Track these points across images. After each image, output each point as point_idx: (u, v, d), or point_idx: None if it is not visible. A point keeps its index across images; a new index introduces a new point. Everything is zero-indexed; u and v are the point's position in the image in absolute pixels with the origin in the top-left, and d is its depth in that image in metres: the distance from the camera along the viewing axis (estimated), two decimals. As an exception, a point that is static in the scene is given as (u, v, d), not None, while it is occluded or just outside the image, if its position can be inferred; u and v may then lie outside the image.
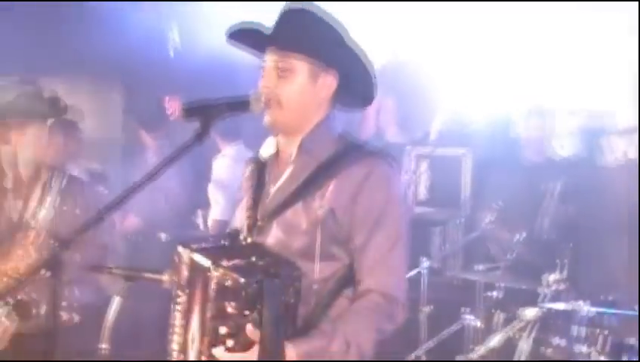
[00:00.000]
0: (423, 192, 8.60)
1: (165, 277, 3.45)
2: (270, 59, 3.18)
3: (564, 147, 7.92)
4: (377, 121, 9.07)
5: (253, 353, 2.83)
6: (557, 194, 6.98)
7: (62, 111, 5.12)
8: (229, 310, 2.84)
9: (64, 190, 5.07)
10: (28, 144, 5.03)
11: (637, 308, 5.60)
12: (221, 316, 2.86)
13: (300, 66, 3.16)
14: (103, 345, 4.54)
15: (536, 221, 6.97)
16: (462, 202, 8.12)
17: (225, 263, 2.89)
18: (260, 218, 3.28)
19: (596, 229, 6.77)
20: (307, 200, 3.17)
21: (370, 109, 9.11)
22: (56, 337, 3.02)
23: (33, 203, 5.05)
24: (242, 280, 2.80)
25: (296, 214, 3.18)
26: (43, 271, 2.88)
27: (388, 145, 8.77)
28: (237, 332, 2.85)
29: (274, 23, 3.20)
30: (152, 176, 2.91)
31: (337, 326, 3.02)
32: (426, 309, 6.55)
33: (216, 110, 3.00)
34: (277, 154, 3.36)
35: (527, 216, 6.98)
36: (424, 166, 8.53)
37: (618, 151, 7.54)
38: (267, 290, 2.82)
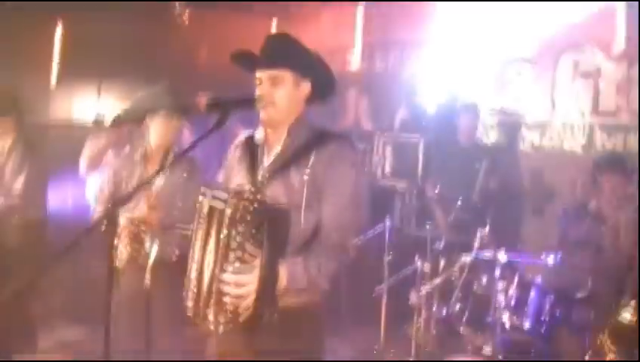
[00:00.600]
0: (387, 168, 8.88)
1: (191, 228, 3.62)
2: (263, 73, 3.46)
3: (489, 136, 8.29)
4: (355, 113, 9.44)
5: (257, 263, 3.10)
6: (483, 171, 7.20)
7: (181, 105, 5.27)
8: (240, 230, 3.06)
9: (176, 161, 5.17)
10: (156, 126, 5.24)
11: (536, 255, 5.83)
12: (233, 236, 3.07)
13: (287, 77, 3.45)
14: (147, 276, 4.91)
15: (468, 190, 7.15)
16: (416, 176, 8.32)
17: (237, 199, 3.10)
18: (258, 181, 3.48)
19: (511, 197, 7.10)
20: (296, 168, 3.42)
21: (350, 105, 9.55)
22: (113, 274, 3.23)
23: (154, 169, 5.20)
24: (251, 208, 3.06)
25: (288, 178, 3.42)
26: (103, 223, 3.13)
27: (363, 132, 9.23)
28: (244, 246, 3.07)
29: (263, 46, 3.53)
30: (187, 151, 3.31)
31: (312, 255, 3.30)
32: (389, 256, 6.60)
33: (231, 106, 3.26)
34: (266, 139, 3.57)
35: (462, 186, 7.14)
36: (389, 148, 8.85)
37: (527, 140, 8.00)
38: (269, 217, 3.11)
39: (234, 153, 3.77)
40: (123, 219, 4.84)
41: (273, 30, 9.42)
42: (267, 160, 3.57)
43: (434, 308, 6.20)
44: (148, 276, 4.93)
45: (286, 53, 3.53)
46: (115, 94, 8.43)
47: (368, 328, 7.21)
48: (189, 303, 3.29)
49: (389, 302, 6.73)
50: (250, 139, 3.69)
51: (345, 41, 9.43)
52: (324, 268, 3.34)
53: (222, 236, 3.11)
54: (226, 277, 3.11)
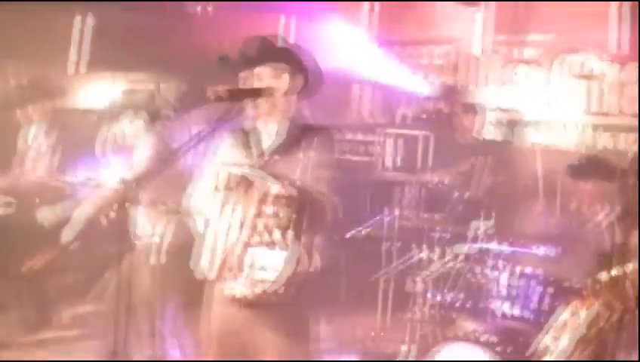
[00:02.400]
0: (390, 161, 8.91)
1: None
2: (264, 68, 3.59)
3: (489, 132, 8.17)
4: (359, 106, 9.42)
5: (290, 249, 3.10)
6: (481, 165, 7.15)
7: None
8: (268, 211, 3.09)
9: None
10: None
11: (534, 247, 5.75)
12: (261, 215, 3.09)
13: (284, 71, 3.61)
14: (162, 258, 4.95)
15: (468, 184, 7.10)
16: (418, 168, 8.34)
17: (266, 177, 3.13)
18: (262, 161, 3.54)
19: (510, 191, 7.01)
20: (291, 152, 3.52)
21: (355, 98, 9.51)
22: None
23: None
24: (282, 190, 3.09)
25: (286, 161, 3.50)
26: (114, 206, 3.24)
27: (366, 125, 9.24)
28: (271, 228, 3.07)
29: (259, 44, 3.63)
30: (193, 144, 3.29)
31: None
32: (389, 244, 6.67)
33: (243, 95, 3.43)
34: (258, 128, 3.68)
35: (462, 180, 7.12)
36: (392, 142, 8.87)
37: (526, 137, 8.05)
38: (298, 200, 3.14)
39: (225, 142, 3.76)
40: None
41: (290, 26, 9.43)
42: (262, 146, 3.63)
43: (431, 295, 6.13)
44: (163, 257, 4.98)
45: (282, 49, 3.69)
46: (136, 84, 8.42)
47: (367, 314, 7.16)
48: (204, 264, 3.28)
49: (388, 289, 6.80)
50: (240, 131, 3.74)
51: (351, 38, 9.33)
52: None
53: (252, 213, 3.09)
54: (254, 258, 3.09)
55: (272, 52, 3.63)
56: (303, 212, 3.11)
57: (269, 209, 3.06)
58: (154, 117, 5.29)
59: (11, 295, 6.60)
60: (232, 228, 3.19)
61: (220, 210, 3.29)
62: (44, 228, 5.84)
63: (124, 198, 3.03)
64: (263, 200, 3.07)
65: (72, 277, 6.73)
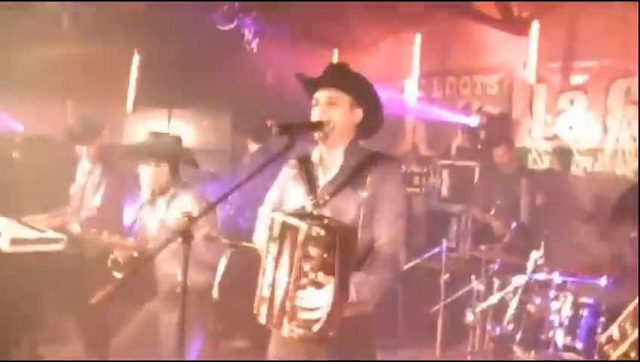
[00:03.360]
0: (444, 192, 8.91)
1: (257, 245, 3.64)
2: (322, 94, 3.46)
3: (542, 161, 8.12)
4: (413, 139, 9.44)
5: (329, 286, 2.99)
6: (524, 189, 7.21)
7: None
8: (312, 253, 2.98)
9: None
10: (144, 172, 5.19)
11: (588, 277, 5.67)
12: (306, 257, 2.98)
13: (343, 100, 3.44)
14: (215, 294, 4.92)
15: (516, 213, 7.13)
16: (471, 200, 8.18)
17: (309, 221, 3.01)
18: (319, 199, 3.43)
19: (563, 220, 6.97)
20: (353, 189, 3.40)
21: (408, 130, 9.49)
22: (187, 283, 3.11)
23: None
24: (323, 231, 2.96)
25: (347, 198, 3.40)
26: (178, 239, 3.02)
27: (420, 157, 9.23)
28: (317, 269, 2.98)
29: (325, 70, 3.52)
30: (252, 176, 3.17)
31: (371, 270, 3.29)
32: (445, 276, 6.50)
33: (300, 129, 3.30)
34: (322, 160, 3.55)
35: (510, 209, 7.13)
36: (446, 173, 8.88)
37: (580, 166, 7.83)
38: (340, 240, 3.00)
39: (288, 172, 3.70)
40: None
41: (334, 59, 9.46)
42: (324, 180, 3.52)
43: (488, 327, 6.07)
44: (216, 293, 4.94)
45: (346, 77, 3.52)
46: (185, 118, 8.59)
47: (425, 346, 7.06)
48: (263, 311, 3.23)
49: (444, 321, 6.66)
50: (304, 159, 3.65)
51: (403, 70, 9.36)
52: (383, 281, 3.32)
53: (295, 259, 3.04)
54: (301, 300, 3.05)
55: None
56: (345, 251, 3.02)
57: (312, 251, 2.99)
58: (175, 165, 5.23)
59: (67, 327, 6.65)
60: (284, 275, 3.14)
61: (273, 259, 3.23)
62: (94, 261, 5.77)
63: (187, 233, 3.03)
64: (306, 243, 3.00)
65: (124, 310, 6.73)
